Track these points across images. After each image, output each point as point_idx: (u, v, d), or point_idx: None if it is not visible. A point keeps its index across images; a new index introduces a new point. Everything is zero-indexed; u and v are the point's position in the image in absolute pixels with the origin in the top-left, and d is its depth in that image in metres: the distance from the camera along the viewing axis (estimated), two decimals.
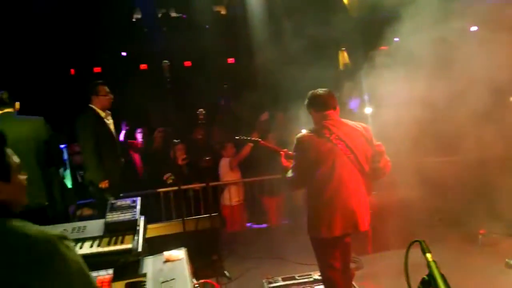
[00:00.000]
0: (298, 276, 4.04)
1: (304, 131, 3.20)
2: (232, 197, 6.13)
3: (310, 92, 3.28)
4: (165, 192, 5.60)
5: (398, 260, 4.52)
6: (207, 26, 10.11)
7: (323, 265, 3.27)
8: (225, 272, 4.34)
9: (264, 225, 6.24)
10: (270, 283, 3.98)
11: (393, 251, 4.52)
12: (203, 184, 5.36)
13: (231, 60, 12.55)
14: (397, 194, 4.58)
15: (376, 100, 6.09)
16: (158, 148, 6.45)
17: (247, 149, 6.03)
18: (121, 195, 4.27)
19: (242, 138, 3.67)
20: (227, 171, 6.15)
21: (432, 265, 1.38)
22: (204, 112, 4.43)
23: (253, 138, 3.61)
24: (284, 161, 3.35)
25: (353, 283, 3.58)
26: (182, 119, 6.77)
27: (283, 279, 4.01)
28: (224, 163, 6.17)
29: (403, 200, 4.53)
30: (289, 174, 3.21)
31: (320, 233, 3.13)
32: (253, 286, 4.14)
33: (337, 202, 3.05)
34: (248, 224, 6.36)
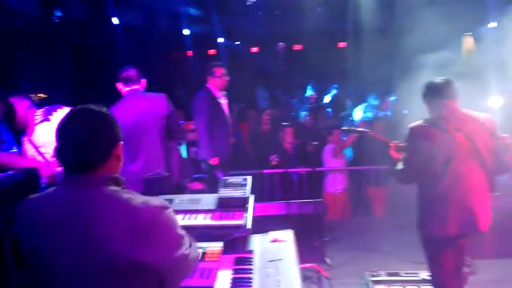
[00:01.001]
0: (404, 273, 3.85)
1: (418, 121, 3.00)
2: (334, 184, 6.07)
3: (427, 81, 3.06)
4: (270, 174, 5.69)
5: None
6: (318, 9, 9.93)
7: (433, 266, 3.08)
8: (327, 259, 4.30)
9: (368, 216, 6.06)
10: (373, 276, 3.85)
11: None
12: (308, 169, 5.34)
13: (342, 45, 12.24)
14: None
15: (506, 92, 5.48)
16: (266, 130, 6.57)
17: (351, 138, 5.92)
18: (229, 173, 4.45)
19: (349, 128, 3.57)
20: (330, 158, 6.08)
21: None
22: (315, 96, 4.37)
23: (360, 129, 3.48)
24: (393, 153, 3.17)
25: None
26: (289, 102, 6.81)
27: (388, 274, 3.86)
28: (328, 149, 6.10)
29: None
30: (400, 166, 3.05)
31: (432, 231, 2.96)
32: (354, 277, 4.04)
33: (453, 199, 2.84)
34: (351, 214, 6.23)
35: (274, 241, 2.43)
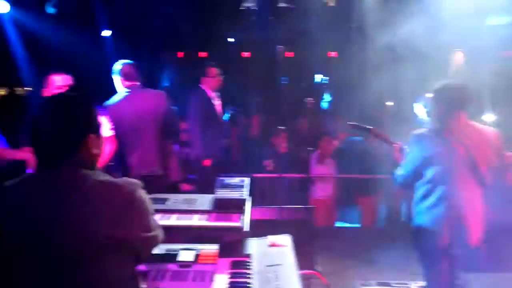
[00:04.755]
0: (395, 283, 3.81)
1: (423, 129, 2.97)
2: (320, 190, 6.04)
3: (442, 83, 2.92)
4: (260, 178, 5.62)
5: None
6: (313, 18, 9.95)
7: (428, 277, 3.07)
8: (316, 266, 4.23)
9: (356, 225, 6.04)
10: (364, 285, 3.81)
11: (508, 274, 4.09)
12: (301, 175, 5.31)
13: (333, 54, 12.26)
14: None
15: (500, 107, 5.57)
16: (256, 134, 6.52)
17: (330, 146, 5.91)
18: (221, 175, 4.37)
19: (355, 124, 3.51)
20: (316, 164, 6.04)
21: None
22: (313, 101, 4.33)
23: (366, 126, 3.41)
24: (397, 155, 3.14)
25: None
26: (284, 107, 6.79)
27: (378, 284, 3.82)
28: (315, 155, 6.08)
29: None
30: (399, 171, 3.01)
31: (424, 241, 2.93)
32: (344, 286, 3.99)
33: (446, 210, 2.81)
34: (339, 222, 6.20)
35: (273, 245, 2.35)
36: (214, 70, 4.63)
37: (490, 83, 6.22)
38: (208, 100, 4.53)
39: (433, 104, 2.97)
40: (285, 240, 2.39)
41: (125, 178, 1.49)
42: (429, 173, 2.86)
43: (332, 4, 10.80)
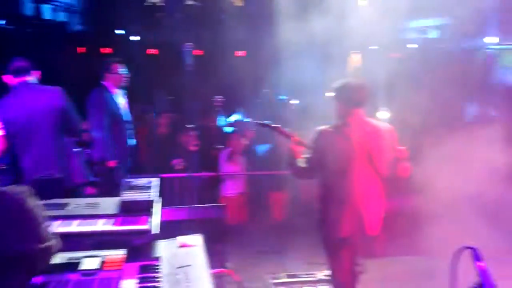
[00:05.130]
0: (303, 274, 3.97)
1: (325, 126, 3.12)
2: (230, 188, 6.07)
3: (342, 82, 3.11)
4: (170, 178, 5.50)
5: (407, 266, 4.49)
6: (222, 17, 9.99)
7: (332, 265, 3.23)
8: (228, 264, 4.25)
9: (268, 220, 6.16)
10: (274, 278, 3.91)
11: (403, 257, 4.49)
12: (211, 174, 5.28)
13: (241, 53, 12.38)
14: (412, 200, 4.51)
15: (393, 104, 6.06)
16: (164, 133, 6.37)
17: (240, 143, 6.00)
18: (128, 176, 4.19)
19: (260, 123, 3.60)
20: (225, 162, 6.09)
21: (484, 274, 1.29)
22: (222, 99, 4.32)
23: (272, 125, 3.53)
24: (293, 147, 3.27)
25: (357, 286, 3.52)
26: (193, 105, 6.70)
27: (288, 276, 3.95)
28: (224, 153, 6.11)
29: (418, 206, 4.46)
30: (302, 164, 3.14)
31: (328, 231, 3.09)
32: (256, 281, 4.06)
33: (347, 203, 3.00)
34: (250, 218, 6.28)
35: (183, 246, 2.31)
36: (118, 66, 4.42)
37: (384, 83, 6.76)
38: (111, 97, 4.31)
39: (335, 101, 3.13)
40: (196, 240, 2.36)
41: (11, 186, 1.39)
42: (332, 169, 3.01)
43: (240, 4, 10.93)
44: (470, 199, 4.59)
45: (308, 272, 4.02)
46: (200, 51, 10.82)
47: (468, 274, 1.35)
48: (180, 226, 3.94)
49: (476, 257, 1.33)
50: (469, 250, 1.35)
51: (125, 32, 9.80)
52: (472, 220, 4.58)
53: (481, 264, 1.30)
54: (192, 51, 10.31)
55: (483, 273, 1.28)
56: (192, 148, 5.50)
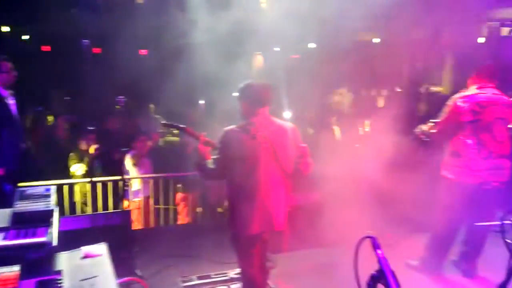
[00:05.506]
0: (214, 275, 3.97)
1: (231, 126, 3.16)
2: (136, 192, 5.87)
3: (245, 83, 3.17)
4: (70, 184, 5.14)
5: (312, 259, 4.71)
6: (121, 14, 9.56)
7: (242, 263, 3.28)
8: (137, 271, 4.10)
9: (176, 223, 6.05)
10: (185, 282, 3.85)
11: (308, 251, 4.69)
12: (116, 178, 5.04)
13: (143, 52, 12.05)
14: (316, 195, 4.74)
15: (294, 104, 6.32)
16: (62, 136, 5.94)
17: (145, 145, 5.86)
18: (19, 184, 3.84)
19: (167, 123, 3.52)
20: (129, 166, 5.87)
21: (383, 261, 1.40)
22: (124, 100, 4.11)
23: (178, 124, 3.47)
24: (201, 147, 3.26)
25: (268, 282, 3.62)
26: (92, 107, 6.32)
27: (199, 278, 3.91)
28: (129, 156, 5.89)
29: (320, 201, 4.71)
30: (210, 165, 3.16)
31: (239, 230, 3.14)
32: (167, 286, 3.97)
33: (256, 200, 3.06)
34: (158, 222, 6.12)
35: (86, 256, 2.18)
36: (6, 64, 4.03)
37: (287, 83, 7.03)
38: (0, 98, 3.91)
39: (239, 102, 3.19)
40: (100, 249, 2.25)
41: None
42: (240, 168, 3.06)
43: (140, 1, 10.58)
44: (366, 189, 4.96)
45: (219, 272, 4.03)
46: (99, 48, 10.31)
47: (372, 261, 1.45)
48: (83, 235, 3.71)
49: (375, 245, 1.43)
50: (369, 239, 1.46)
51: (13, 27, 8.95)
52: (370, 209, 4.96)
53: (380, 252, 1.41)
54: (91, 48, 9.77)
55: (381, 260, 1.39)
56: (93, 152, 5.20)
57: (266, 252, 3.36)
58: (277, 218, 3.14)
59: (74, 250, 2.25)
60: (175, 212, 6.12)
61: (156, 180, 6.02)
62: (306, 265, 4.47)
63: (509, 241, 2.22)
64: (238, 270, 3.80)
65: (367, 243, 1.48)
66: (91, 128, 4.80)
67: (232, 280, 3.90)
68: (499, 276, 2.19)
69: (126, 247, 4.19)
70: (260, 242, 3.20)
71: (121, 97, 4.11)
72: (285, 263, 4.32)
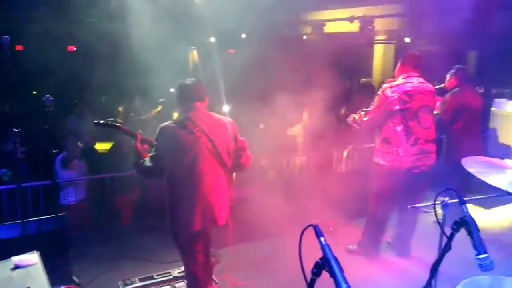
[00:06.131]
0: (157, 275, 3.88)
1: (168, 122, 3.11)
2: (70, 196, 5.57)
3: (178, 82, 3.20)
4: None
5: (257, 251, 4.76)
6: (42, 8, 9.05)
7: (186, 261, 3.25)
8: (74, 278, 3.91)
9: (115, 225, 5.82)
10: (127, 285, 3.73)
11: (250, 244, 4.72)
12: (46, 182, 4.74)
13: (71, 48, 11.55)
14: (255, 188, 4.78)
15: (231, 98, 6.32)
16: None
17: (75, 147, 5.63)
18: None
19: (101, 122, 3.38)
20: (60, 168, 5.57)
21: (326, 248, 1.44)
22: (51, 99, 3.87)
23: (113, 123, 3.36)
24: (138, 146, 3.20)
25: (213, 276, 3.61)
26: (16, 107, 5.91)
27: (141, 280, 3.80)
28: (60, 158, 5.57)
29: (259, 194, 4.76)
30: (147, 163, 3.08)
31: (181, 227, 3.10)
32: None
33: (197, 196, 3.04)
34: (96, 226, 5.86)
35: (17, 267, 2.04)
36: None
37: (224, 78, 7.01)
38: None
39: (176, 102, 3.19)
40: (33, 258, 2.11)
41: None
42: (179, 164, 3.01)
43: None
44: (303, 180, 5.10)
45: (162, 272, 3.94)
46: (19, 45, 9.70)
47: (315, 249, 1.48)
48: (13, 244, 3.48)
49: (319, 233, 1.47)
50: (312, 227, 1.49)
51: None
52: (308, 198, 5.10)
53: (323, 239, 1.44)
54: (13, 45, 9.12)
55: (324, 247, 1.43)
56: (20, 155, 4.86)
57: (210, 248, 3.34)
58: (219, 213, 3.13)
59: (3, 261, 2.09)
60: (114, 214, 5.89)
61: (90, 182, 5.76)
62: (251, 258, 4.52)
63: (440, 221, 2.37)
64: (181, 269, 3.75)
65: (310, 232, 1.51)
66: (16, 130, 4.46)
67: (175, 279, 3.84)
68: (432, 254, 2.35)
69: (62, 253, 4.00)
70: (203, 238, 3.18)
71: (48, 96, 3.82)
72: (230, 257, 4.34)
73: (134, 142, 3.24)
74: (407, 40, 10.90)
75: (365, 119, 4.30)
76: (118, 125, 3.31)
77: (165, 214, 3.13)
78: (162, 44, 6.54)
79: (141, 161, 3.12)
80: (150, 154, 3.10)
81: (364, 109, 4.33)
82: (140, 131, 3.30)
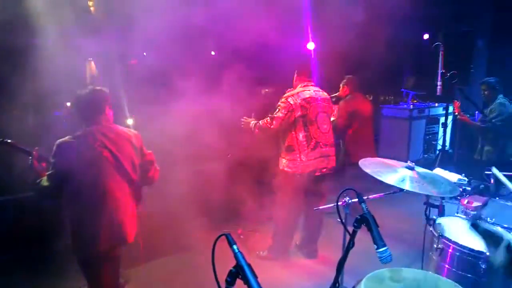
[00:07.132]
0: None
1: (65, 137, 2.90)
2: None
3: (76, 94, 2.99)
4: None
5: (170, 266, 4.62)
6: None
7: (93, 284, 3.04)
8: None
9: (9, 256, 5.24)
10: None
11: (164, 258, 4.59)
12: None
13: None
14: (166, 202, 4.64)
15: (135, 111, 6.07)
16: None
17: None
18: None
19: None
20: None
21: (239, 256, 1.45)
22: None
23: (3, 140, 3.05)
24: (36, 164, 2.97)
25: None
26: None
27: None
28: None
29: (171, 207, 4.63)
30: (44, 182, 2.86)
31: (86, 249, 2.91)
32: None
33: (102, 214, 2.89)
34: None
35: None
36: None
37: (126, 89, 6.72)
38: None
39: (73, 112, 3.01)
40: None
41: None
42: (79, 181, 2.82)
43: None
44: (212, 194, 5.08)
45: None
46: None
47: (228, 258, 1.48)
48: None
49: (231, 241, 1.48)
50: (224, 236, 1.49)
51: None
52: (216, 212, 5.10)
53: (235, 247, 1.46)
54: None
55: (237, 255, 1.44)
56: None
57: (118, 269, 3.16)
58: (128, 230, 3.00)
59: None
60: (6, 242, 5.31)
61: None
62: (165, 273, 4.38)
63: (343, 220, 2.52)
64: None
65: (222, 241, 1.51)
66: None
67: None
68: (338, 253, 2.48)
69: None
70: (110, 258, 3.01)
71: None
72: (143, 275, 4.18)
73: (30, 160, 2.98)
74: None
75: (272, 126, 4.40)
76: (9, 142, 3.03)
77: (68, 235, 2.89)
78: (55, 54, 6.10)
79: (37, 180, 2.88)
80: (47, 173, 2.88)
81: (269, 115, 4.47)
82: (36, 148, 3.03)
